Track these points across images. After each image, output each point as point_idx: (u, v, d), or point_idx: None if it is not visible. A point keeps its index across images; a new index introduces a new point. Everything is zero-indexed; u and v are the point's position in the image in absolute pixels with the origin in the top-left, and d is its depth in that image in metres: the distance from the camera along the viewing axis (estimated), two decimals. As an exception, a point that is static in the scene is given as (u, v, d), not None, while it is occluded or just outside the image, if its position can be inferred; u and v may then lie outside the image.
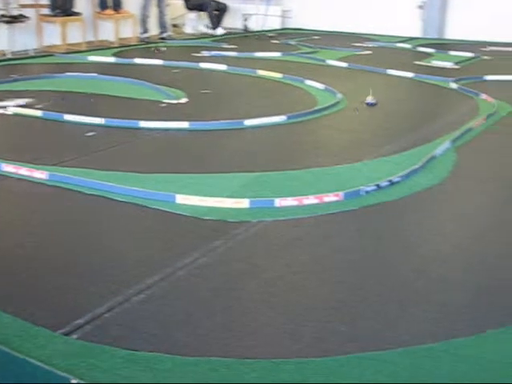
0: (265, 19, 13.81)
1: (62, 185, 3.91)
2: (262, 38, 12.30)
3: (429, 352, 2.29)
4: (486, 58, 10.19)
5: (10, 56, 9.32)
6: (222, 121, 5.48)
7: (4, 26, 9.36)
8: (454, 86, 7.53)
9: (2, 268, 2.89)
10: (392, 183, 3.96)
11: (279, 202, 3.58)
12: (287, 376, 2.15)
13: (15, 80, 7.29)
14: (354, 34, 13.06)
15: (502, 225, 3.51)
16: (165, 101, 6.35)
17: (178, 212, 3.52)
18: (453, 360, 2.25)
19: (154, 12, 11.75)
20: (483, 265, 3.01)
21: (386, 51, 10.96)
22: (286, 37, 12.21)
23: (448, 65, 9.20)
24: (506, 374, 2.18)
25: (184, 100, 6.40)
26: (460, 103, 6.70)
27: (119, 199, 3.68)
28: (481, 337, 2.40)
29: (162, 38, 11.90)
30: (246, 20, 13.78)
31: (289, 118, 5.64)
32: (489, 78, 8.17)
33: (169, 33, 12.22)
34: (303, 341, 2.35)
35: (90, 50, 10.12)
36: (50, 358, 2.17)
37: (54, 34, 10.17)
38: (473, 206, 3.79)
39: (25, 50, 9.67)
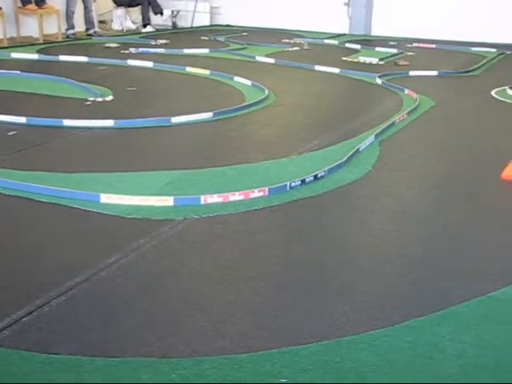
0: (194, 16, 13.74)
1: (-19, 186, 3.79)
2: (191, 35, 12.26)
3: (350, 344, 2.33)
4: (410, 54, 10.42)
5: None
6: (148, 118, 5.42)
7: None
8: (378, 81, 7.67)
9: None
10: (317, 178, 4.00)
11: (204, 199, 3.57)
12: (210, 374, 2.15)
13: None
14: (282, 30, 13.13)
15: (422, 216, 3.60)
16: (90, 99, 6.24)
17: (102, 212, 3.46)
18: (373, 351, 2.29)
19: (79, 8, 11.52)
20: (404, 257, 3.07)
21: (314, 47, 11.06)
22: (215, 33, 12.17)
23: (374, 60, 9.37)
24: (425, 363, 2.24)
25: (110, 98, 6.30)
26: (384, 98, 6.83)
27: (42, 200, 3.59)
28: (402, 327, 2.45)
29: (89, 35, 11.69)
30: (174, 16, 13.67)
31: (215, 114, 5.63)
32: (413, 73, 8.36)
33: (96, 29, 12.01)
34: (227, 338, 2.35)
35: (12, 47, 9.84)
36: (-37, 366, 2.11)
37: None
38: (394, 198, 3.87)
39: None
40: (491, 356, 2.28)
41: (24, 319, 2.42)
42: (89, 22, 11.85)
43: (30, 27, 10.90)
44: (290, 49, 10.62)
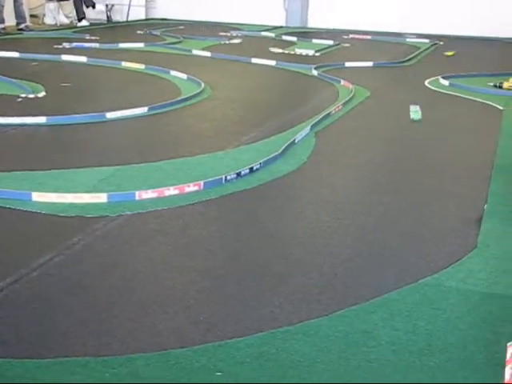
0: (129, 9, 13.56)
1: None
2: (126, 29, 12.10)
3: (285, 335, 2.34)
4: (346, 45, 10.55)
5: None
6: (82, 114, 5.33)
7: None
8: (315, 72, 7.73)
9: None
10: (252, 171, 4.01)
11: (139, 195, 3.54)
12: (144, 371, 2.13)
13: None
14: (219, 23, 13.11)
15: (357, 207, 3.64)
16: (21, 95, 6.09)
17: (34, 210, 3.39)
18: (308, 341, 2.31)
19: (9, 1, 11.22)
20: (339, 247, 3.11)
21: (251, 40, 11.08)
22: (151, 27, 12.05)
23: (310, 52, 9.44)
24: (359, 351, 2.27)
25: (42, 94, 6.16)
26: (321, 89, 6.90)
27: (-33, 200, 3.50)
28: (337, 316, 2.48)
29: (20, 29, 11.41)
30: (109, 10, 13.47)
31: (150, 109, 5.57)
32: (348, 64, 8.46)
33: (27, 23, 11.71)
34: (162, 334, 2.34)
35: None
36: None
37: None
38: (329, 189, 3.91)
39: None
40: (424, 341, 2.33)
41: (-50, 324, 2.35)
42: (19, 15, 11.54)
43: (-42, 22, 10.58)
44: (227, 42, 10.60)
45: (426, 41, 11.26)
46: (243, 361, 2.20)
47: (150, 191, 3.57)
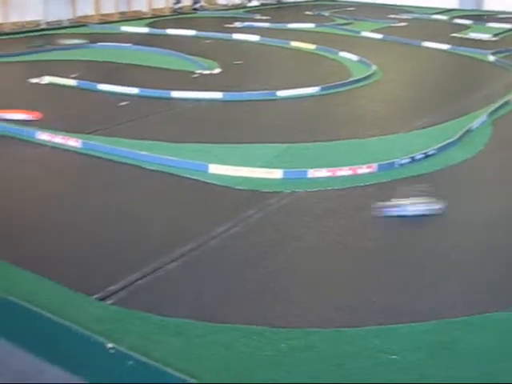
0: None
1: (96, 153, 3.92)
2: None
3: (462, 325, 2.27)
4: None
5: (44, 26, 9.35)
6: (254, 91, 5.44)
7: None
8: (491, 58, 7.37)
9: (39, 232, 2.93)
10: (427, 156, 3.90)
11: (312, 173, 3.56)
12: (320, 345, 2.15)
13: (49, 50, 7.31)
14: (389, 5, 12.83)
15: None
16: (197, 71, 6.32)
17: (210, 181, 3.51)
18: (489, 333, 2.23)
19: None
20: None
21: (421, 23, 10.76)
22: (320, 8, 12.04)
23: (485, 37, 9.00)
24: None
25: (217, 70, 6.36)
26: (497, 76, 6.56)
27: (151, 168, 3.68)
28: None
29: (195, 9, 11.83)
30: (279, -9, 13.61)
31: (322, 89, 5.57)
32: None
33: (201, 3, 12.12)
34: (336, 311, 2.35)
35: (122, 21, 10.10)
36: (86, 322, 2.20)
37: (87, 4, 10.17)
38: (506, 179, 3.72)
39: (59, 20, 9.68)
40: None
41: (139, 282, 2.50)
42: (195, -4, 11.97)
43: (140, 2, 11.14)
44: (397, 24, 10.35)
45: None
46: (418, 346, 2.16)
47: (323, 170, 3.58)
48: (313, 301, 2.41)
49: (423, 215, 3.11)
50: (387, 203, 3.11)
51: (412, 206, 3.09)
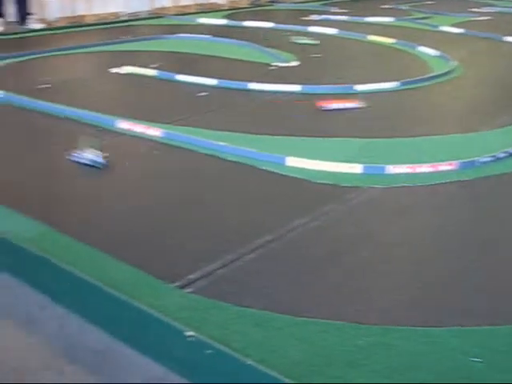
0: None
1: (175, 143, 3.98)
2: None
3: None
4: None
5: (124, 18, 9.55)
6: (332, 85, 5.40)
7: (120, -11, 9.58)
8: None
9: (123, 222, 3.00)
10: (510, 155, 3.79)
11: (392, 169, 3.51)
12: (399, 344, 2.12)
13: (128, 41, 7.46)
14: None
15: None
16: (274, 63, 6.32)
17: (288, 174, 3.51)
18: None
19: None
20: None
21: (504, 17, 10.45)
22: (398, 1, 11.85)
23: None
24: None
25: (294, 63, 6.34)
26: None
27: (230, 159, 3.71)
28: None
29: (271, 1, 11.84)
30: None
31: (402, 84, 5.49)
32: None
33: (278, -4, 12.13)
34: (417, 310, 2.31)
35: (199, 12, 10.21)
36: (166, 310, 2.23)
37: (166, -4, 10.34)
38: None
39: (138, 12, 9.87)
40: None
41: (218, 271, 2.52)
42: (273, -12, 11.99)
43: (217, -7, 11.24)
44: (478, 18, 10.09)
45: None
46: (500, 350, 2.11)
47: (403, 166, 3.53)
48: (393, 298, 2.37)
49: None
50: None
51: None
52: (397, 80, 5.54)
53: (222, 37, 7.71)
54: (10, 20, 8.55)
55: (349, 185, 3.36)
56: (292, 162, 3.63)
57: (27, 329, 2.25)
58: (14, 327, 2.26)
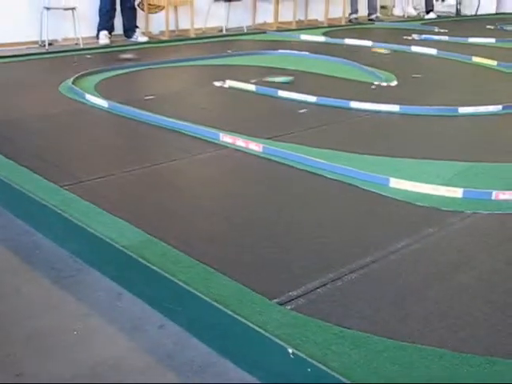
0: (479, 3, 13.18)
1: (275, 158, 4.03)
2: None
3: None
4: None
5: (225, 32, 9.75)
6: (434, 106, 5.33)
7: (223, 4, 9.78)
8: None
9: (227, 236, 3.05)
10: None
11: (496, 195, 3.43)
12: (503, 377, 2.06)
13: (231, 55, 7.62)
14: None
15: None
16: (375, 83, 6.30)
17: (390, 196, 3.48)
18: None
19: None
20: None
21: None
22: (501, 22, 11.56)
23: None
24: None
25: (394, 83, 6.30)
26: None
27: (330, 177, 3.72)
28: None
29: (371, 20, 11.81)
30: (459, 3, 13.24)
31: (504, 108, 5.35)
32: None
33: (377, 14, 12.08)
34: (523, 342, 2.25)
35: (299, 29, 10.29)
36: (266, 325, 2.25)
37: (267, 12, 10.48)
38: None
39: (239, 27, 10.05)
40: None
41: (318, 290, 2.53)
42: (371, 7, 11.97)
43: (317, 11, 11.31)
44: None
45: None
46: None
47: (507, 193, 3.43)
48: (497, 328, 2.31)
49: None
50: None
51: None
52: (500, 103, 5.40)
53: (321, 54, 7.74)
54: (115, 33, 8.90)
55: (450, 209, 3.30)
56: (396, 183, 3.60)
57: (130, 335, 2.33)
58: (117, 332, 2.34)
